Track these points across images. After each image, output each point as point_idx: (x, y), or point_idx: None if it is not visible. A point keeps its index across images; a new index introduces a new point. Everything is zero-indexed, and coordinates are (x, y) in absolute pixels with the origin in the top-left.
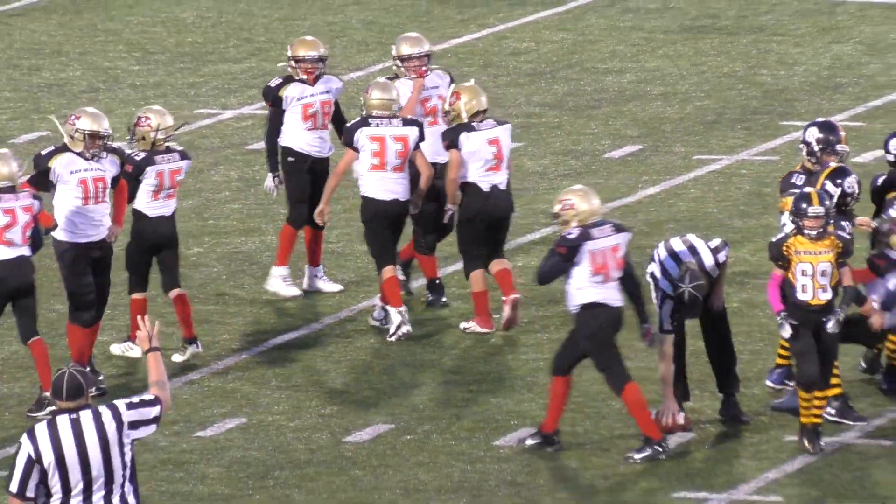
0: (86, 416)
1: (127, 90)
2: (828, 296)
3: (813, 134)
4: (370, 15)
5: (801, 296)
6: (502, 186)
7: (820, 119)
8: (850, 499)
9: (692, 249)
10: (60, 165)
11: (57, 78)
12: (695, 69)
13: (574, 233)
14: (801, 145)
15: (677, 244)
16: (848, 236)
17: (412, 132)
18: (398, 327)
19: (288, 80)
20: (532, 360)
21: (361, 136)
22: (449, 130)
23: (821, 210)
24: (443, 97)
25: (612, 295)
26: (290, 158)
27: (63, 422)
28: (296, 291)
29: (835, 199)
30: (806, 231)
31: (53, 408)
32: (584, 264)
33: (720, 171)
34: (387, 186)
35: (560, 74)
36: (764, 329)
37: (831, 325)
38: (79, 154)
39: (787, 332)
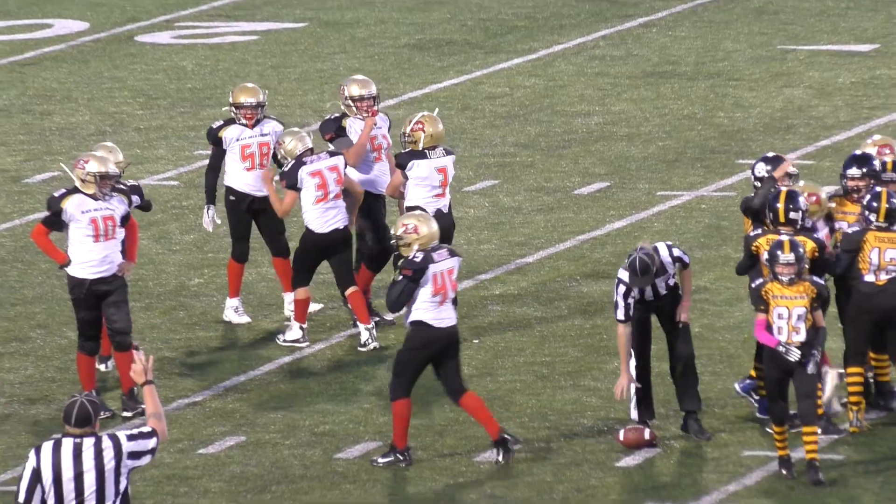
0: (88, 444)
1: (132, 133)
2: (801, 338)
3: (761, 168)
4: (356, 63)
5: (777, 335)
6: (445, 210)
7: (768, 154)
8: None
9: (654, 249)
10: (72, 206)
11: (67, 122)
12: (657, 112)
13: (419, 256)
14: (754, 180)
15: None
16: (823, 282)
17: (340, 160)
18: (295, 341)
19: (229, 122)
20: (508, 381)
21: (303, 175)
22: (404, 154)
23: (791, 257)
24: (386, 136)
25: (446, 314)
26: (231, 197)
27: (67, 445)
28: (246, 319)
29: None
30: (779, 276)
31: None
32: (427, 286)
33: (681, 205)
34: (328, 218)
35: (532, 117)
36: (724, 352)
37: (810, 367)
38: (90, 195)
39: (794, 355)
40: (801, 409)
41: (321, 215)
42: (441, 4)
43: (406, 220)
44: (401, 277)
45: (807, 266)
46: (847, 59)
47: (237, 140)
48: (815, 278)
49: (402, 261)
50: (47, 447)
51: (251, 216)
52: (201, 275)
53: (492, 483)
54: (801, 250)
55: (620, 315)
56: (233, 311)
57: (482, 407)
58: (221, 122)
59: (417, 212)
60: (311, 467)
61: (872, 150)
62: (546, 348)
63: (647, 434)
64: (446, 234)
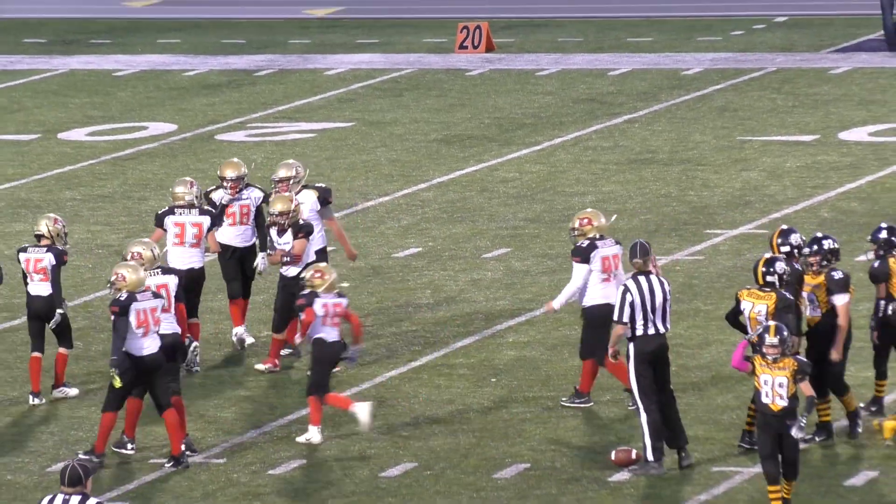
0: (75, 500)
1: None
2: (784, 403)
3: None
4: (394, 154)
5: (763, 399)
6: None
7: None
8: None
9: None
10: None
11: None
12: (639, 191)
13: (124, 295)
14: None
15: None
16: (805, 360)
17: (206, 220)
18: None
19: (219, 187)
20: (520, 413)
21: (168, 221)
22: (304, 225)
23: (776, 340)
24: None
25: (150, 344)
26: (220, 249)
27: (58, 500)
28: (251, 340)
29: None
30: (766, 356)
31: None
32: (131, 319)
33: (660, 267)
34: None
35: (538, 196)
36: (695, 386)
37: (794, 431)
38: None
39: (797, 431)
40: (787, 469)
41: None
42: (463, 106)
43: (118, 269)
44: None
45: (790, 345)
46: (793, 147)
47: (221, 201)
48: (799, 357)
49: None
50: (45, 500)
51: (238, 262)
52: (270, 327)
53: (507, 495)
54: (784, 334)
55: (615, 316)
56: (242, 335)
57: (176, 424)
58: (214, 187)
59: (131, 262)
60: (359, 484)
61: (575, 223)
62: (551, 385)
63: (633, 454)
64: None
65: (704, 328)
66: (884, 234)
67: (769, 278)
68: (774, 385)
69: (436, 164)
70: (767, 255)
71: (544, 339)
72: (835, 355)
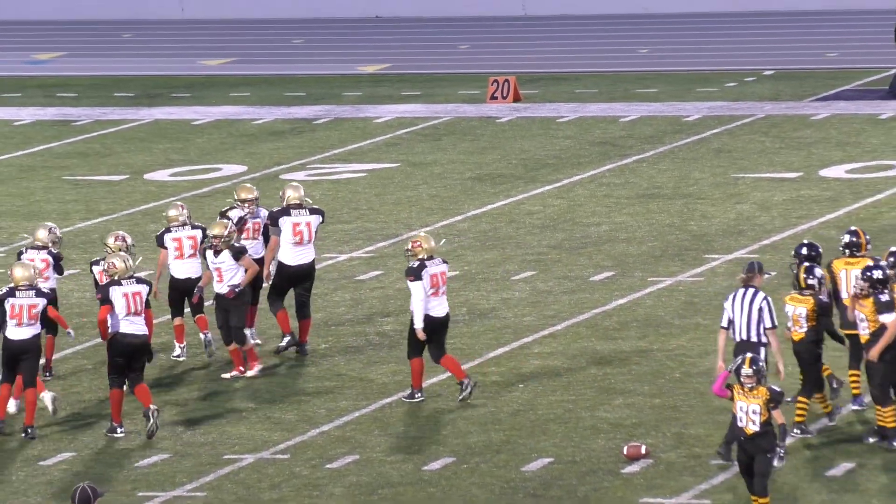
0: None
1: None
2: (756, 428)
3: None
4: (434, 190)
5: (739, 423)
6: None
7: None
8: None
9: None
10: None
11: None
12: (646, 222)
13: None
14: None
15: None
16: (779, 389)
17: (198, 232)
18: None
19: (233, 207)
20: (545, 413)
21: (166, 239)
22: (241, 247)
23: (751, 371)
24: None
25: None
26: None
27: None
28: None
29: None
30: (743, 385)
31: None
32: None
33: (665, 288)
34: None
35: (559, 227)
36: (696, 391)
37: (777, 462)
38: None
39: (778, 462)
40: (754, 485)
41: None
42: (494, 149)
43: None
44: None
45: (765, 375)
46: (780, 183)
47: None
48: (773, 387)
49: None
50: None
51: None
52: (327, 341)
53: (533, 486)
54: (759, 365)
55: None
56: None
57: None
58: (227, 207)
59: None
60: (405, 476)
61: (409, 245)
62: (571, 390)
63: (643, 449)
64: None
65: (704, 340)
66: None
67: (810, 281)
68: (749, 411)
69: (470, 198)
70: (807, 264)
71: (565, 350)
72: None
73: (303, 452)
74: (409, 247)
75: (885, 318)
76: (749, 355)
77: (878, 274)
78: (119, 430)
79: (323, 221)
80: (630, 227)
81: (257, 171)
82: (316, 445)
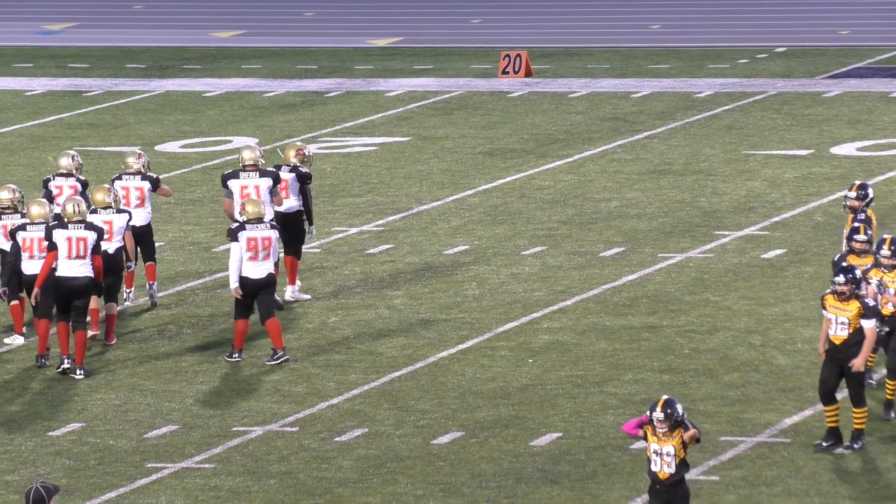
0: None
1: None
2: (671, 471)
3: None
4: (445, 165)
5: (653, 468)
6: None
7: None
8: (763, 475)
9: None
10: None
11: None
12: (657, 198)
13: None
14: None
15: None
16: (692, 429)
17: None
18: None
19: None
20: (553, 389)
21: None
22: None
23: (662, 416)
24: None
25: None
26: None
27: None
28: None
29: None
30: (657, 429)
31: None
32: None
33: (675, 264)
34: None
35: (570, 202)
36: (705, 367)
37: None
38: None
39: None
40: None
41: None
42: (505, 124)
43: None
44: None
45: (679, 419)
46: (791, 160)
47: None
48: (688, 428)
49: None
50: None
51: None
52: (337, 314)
53: (542, 460)
54: (673, 409)
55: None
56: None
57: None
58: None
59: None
60: (414, 450)
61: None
62: (580, 365)
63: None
64: None
65: (713, 316)
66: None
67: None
68: (663, 454)
69: (481, 173)
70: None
71: (574, 326)
72: None
73: (312, 425)
74: (239, 210)
75: (866, 324)
76: (663, 398)
77: (858, 273)
78: (19, 339)
79: (275, 185)
80: (640, 203)
81: (267, 143)
82: (325, 418)
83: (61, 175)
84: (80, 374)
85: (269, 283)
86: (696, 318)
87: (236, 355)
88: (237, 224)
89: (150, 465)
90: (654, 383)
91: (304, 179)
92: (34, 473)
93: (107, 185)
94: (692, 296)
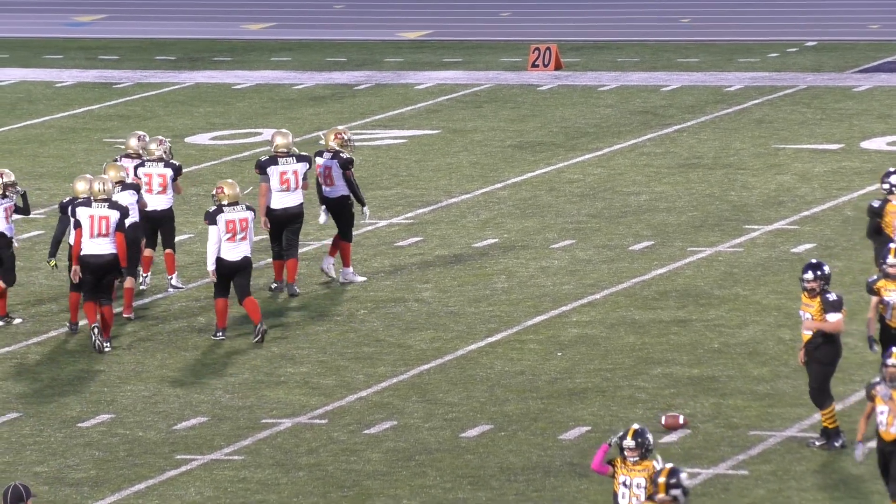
0: None
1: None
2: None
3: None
4: (475, 158)
5: (621, 501)
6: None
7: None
8: (793, 470)
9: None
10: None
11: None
12: (686, 192)
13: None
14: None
15: None
16: (661, 467)
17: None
18: None
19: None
20: (583, 382)
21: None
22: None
23: (633, 444)
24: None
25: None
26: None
27: None
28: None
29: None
30: (627, 458)
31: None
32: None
33: (704, 258)
34: None
35: (599, 195)
36: (735, 361)
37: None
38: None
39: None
40: None
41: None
42: (534, 117)
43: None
44: None
45: (650, 449)
46: (821, 154)
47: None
48: (656, 463)
49: None
50: None
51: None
52: (366, 307)
53: (570, 454)
54: (643, 438)
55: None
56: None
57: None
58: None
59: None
60: (443, 443)
61: (213, 191)
62: (609, 359)
63: (681, 419)
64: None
65: (743, 310)
66: None
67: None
68: (633, 486)
69: (510, 166)
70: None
71: (604, 319)
72: None
73: (340, 418)
74: (214, 192)
75: (832, 318)
76: (634, 426)
77: (827, 270)
78: (73, 327)
79: (310, 168)
80: (670, 197)
81: (297, 136)
82: (354, 411)
83: (128, 157)
84: (108, 347)
85: (244, 265)
86: (725, 312)
87: (220, 334)
88: (215, 208)
89: (179, 457)
90: (683, 377)
91: (346, 165)
92: (63, 465)
93: (119, 163)
94: (721, 290)
